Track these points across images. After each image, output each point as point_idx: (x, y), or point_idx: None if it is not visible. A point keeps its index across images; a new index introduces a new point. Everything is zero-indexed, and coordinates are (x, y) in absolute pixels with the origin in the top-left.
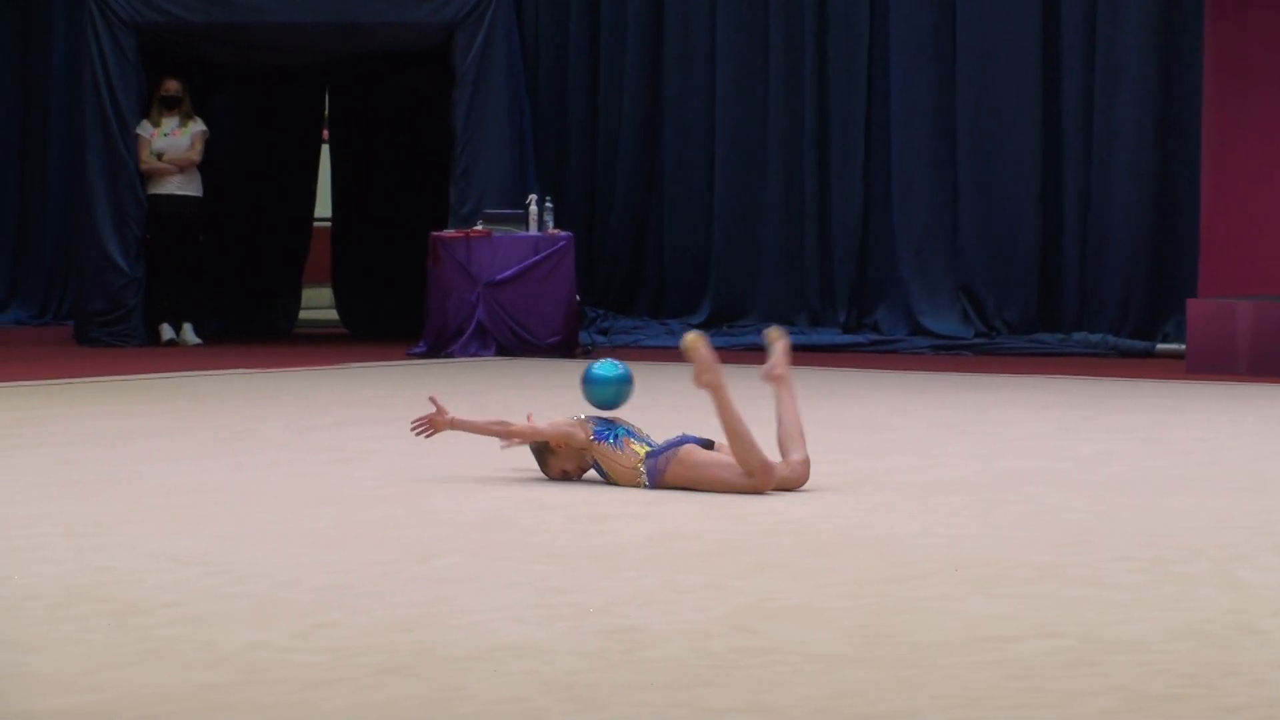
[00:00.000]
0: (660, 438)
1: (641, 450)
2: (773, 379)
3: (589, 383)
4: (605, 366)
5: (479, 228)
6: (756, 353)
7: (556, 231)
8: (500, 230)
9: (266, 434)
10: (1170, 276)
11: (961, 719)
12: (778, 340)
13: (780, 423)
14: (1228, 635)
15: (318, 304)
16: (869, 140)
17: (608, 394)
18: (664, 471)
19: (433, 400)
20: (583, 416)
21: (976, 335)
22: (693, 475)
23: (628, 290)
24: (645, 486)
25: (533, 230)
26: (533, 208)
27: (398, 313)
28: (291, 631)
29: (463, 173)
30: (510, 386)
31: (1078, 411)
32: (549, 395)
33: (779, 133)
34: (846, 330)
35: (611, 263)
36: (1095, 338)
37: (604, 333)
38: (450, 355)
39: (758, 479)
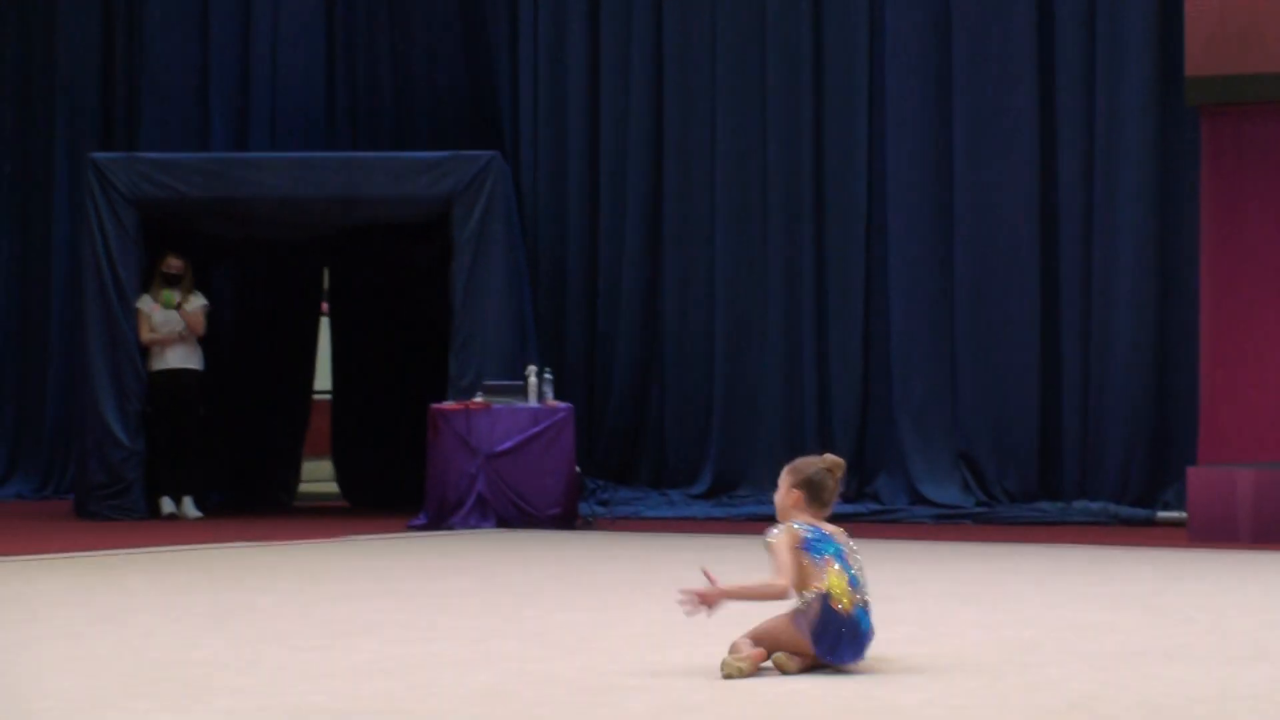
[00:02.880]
0: None
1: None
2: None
3: None
4: None
5: (478, 399)
6: (757, 522)
7: (556, 403)
8: (500, 401)
9: (267, 607)
10: (1170, 444)
11: None
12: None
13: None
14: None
15: (318, 476)
16: (868, 311)
17: None
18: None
19: (705, 573)
20: (795, 526)
21: (977, 504)
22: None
23: (628, 461)
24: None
25: (532, 401)
26: (532, 379)
27: (398, 484)
28: None
29: (462, 344)
30: (511, 560)
31: (1080, 580)
32: (548, 568)
33: (778, 304)
34: (846, 500)
35: (611, 434)
36: (1096, 506)
37: (604, 504)
38: (450, 527)
39: (779, 590)
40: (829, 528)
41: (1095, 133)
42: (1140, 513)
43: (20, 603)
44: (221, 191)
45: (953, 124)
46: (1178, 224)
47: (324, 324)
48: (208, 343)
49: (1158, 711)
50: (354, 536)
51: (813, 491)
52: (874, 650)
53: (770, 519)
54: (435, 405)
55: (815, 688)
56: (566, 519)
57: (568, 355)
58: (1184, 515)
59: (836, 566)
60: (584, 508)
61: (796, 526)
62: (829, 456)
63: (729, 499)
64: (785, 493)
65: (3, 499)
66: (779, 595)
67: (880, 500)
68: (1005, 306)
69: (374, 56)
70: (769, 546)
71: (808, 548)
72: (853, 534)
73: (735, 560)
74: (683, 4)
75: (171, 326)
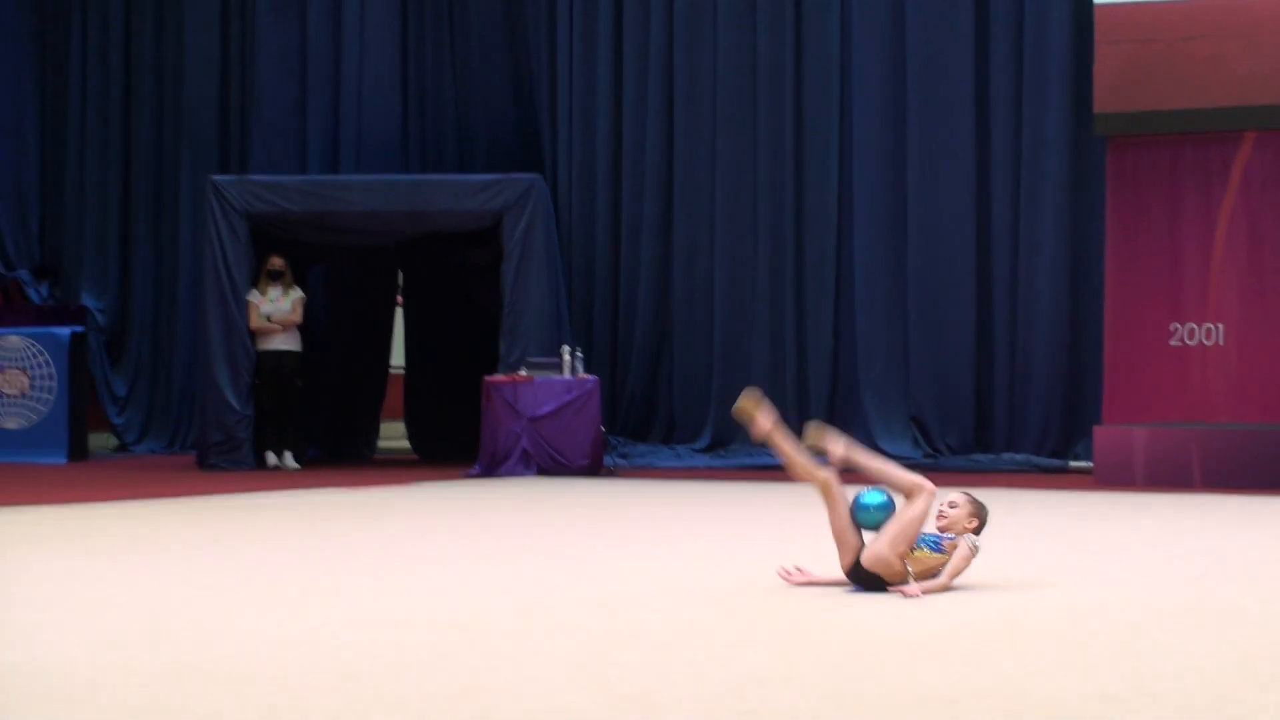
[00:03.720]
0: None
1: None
2: (841, 461)
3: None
4: (870, 495)
5: (523, 373)
6: (748, 471)
7: (585, 375)
8: (540, 375)
9: (356, 540)
10: (1080, 407)
11: None
12: (819, 436)
13: (889, 479)
14: (1129, 696)
15: (393, 435)
16: (837, 302)
17: (873, 518)
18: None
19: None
20: (971, 545)
21: (925, 456)
22: (892, 546)
23: (644, 422)
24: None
25: (566, 375)
26: (566, 356)
27: (458, 442)
28: (370, 697)
29: (510, 329)
30: (549, 500)
31: (1007, 516)
32: (577, 509)
33: (765, 295)
34: (818, 454)
35: (630, 400)
36: (1020, 457)
37: (624, 457)
38: (500, 475)
39: (924, 497)
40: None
41: (1022, 158)
42: (1056, 463)
43: (156, 538)
44: (317, 207)
45: (906, 148)
46: (1088, 233)
47: (399, 314)
48: (304, 329)
49: (1075, 620)
50: (423, 482)
51: (981, 524)
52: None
53: (759, 468)
54: (488, 377)
55: (792, 606)
56: (594, 469)
57: (595, 337)
58: (1091, 465)
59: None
60: (608, 460)
61: (972, 544)
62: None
63: (724, 453)
64: (966, 518)
65: (138, 454)
66: (924, 509)
67: None
68: (948, 298)
69: (441, 98)
70: (961, 558)
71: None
72: None
73: (728, 499)
74: (689, 47)
75: (281, 313)
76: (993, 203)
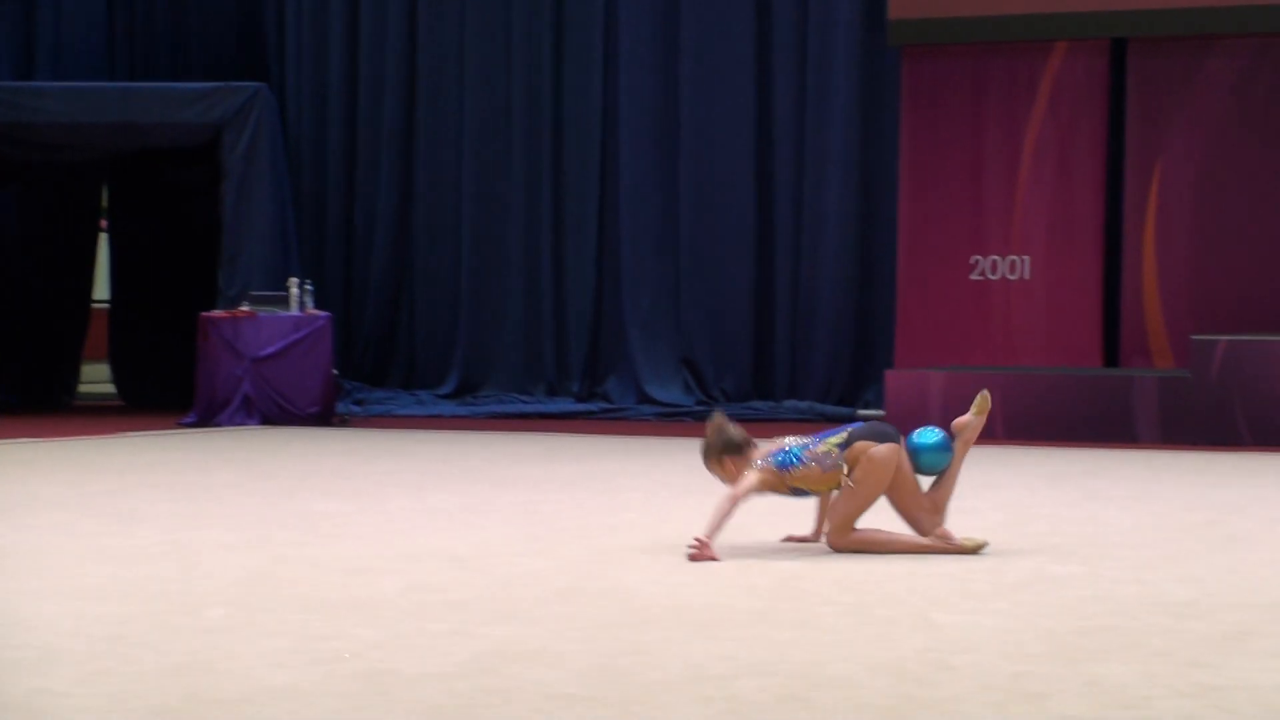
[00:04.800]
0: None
1: (826, 448)
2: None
3: (920, 451)
4: (926, 434)
5: (245, 308)
6: (497, 420)
7: (315, 312)
8: (264, 310)
9: (49, 498)
10: (870, 350)
11: None
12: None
13: (947, 483)
14: (923, 671)
15: (96, 379)
16: (601, 231)
17: (934, 460)
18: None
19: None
20: (759, 463)
21: (697, 403)
22: (873, 480)
23: (382, 365)
24: (846, 476)
25: (294, 310)
26: (294, 290)
27: (170, 386)
28: (71, 678)
29: (230, 258)
30: (274, 452)
31: None
32: (308, 463)
33: (519, 224)
34: (579, 399)
35: (366, 340)
36: (804, 405)
37: (359, 403)
38: (218, 424)
39: (734, 496)
40: (766, 446)
41: (808, 70)
42: (843, 410)
43: None
44: (8, 117)
45: (679, 56)
46: (880, 155)
47: (103, 240)
48: None
49: (855, 586)
50: (130, 433)
51: (736, 448)
52: (603, 533)
53: (512, 417)
54: (205, 313)
55: (548, 567)
56: (325, 417)
57: (327, 269)
58: (882, 413)
59: (814, 467)
60: (341, 407)
61: (761, 465)
62: (711, 421)
63: (472, 399)
64: (726, 472)
65: None
66: (736, 498)
67: (610, 400)
68: (725, 226)
69: None
70: (746, 495)
71: (783, 467)
72: (583, 431)
73: (477, 450)
74: None
75: None
76: (774, 121)
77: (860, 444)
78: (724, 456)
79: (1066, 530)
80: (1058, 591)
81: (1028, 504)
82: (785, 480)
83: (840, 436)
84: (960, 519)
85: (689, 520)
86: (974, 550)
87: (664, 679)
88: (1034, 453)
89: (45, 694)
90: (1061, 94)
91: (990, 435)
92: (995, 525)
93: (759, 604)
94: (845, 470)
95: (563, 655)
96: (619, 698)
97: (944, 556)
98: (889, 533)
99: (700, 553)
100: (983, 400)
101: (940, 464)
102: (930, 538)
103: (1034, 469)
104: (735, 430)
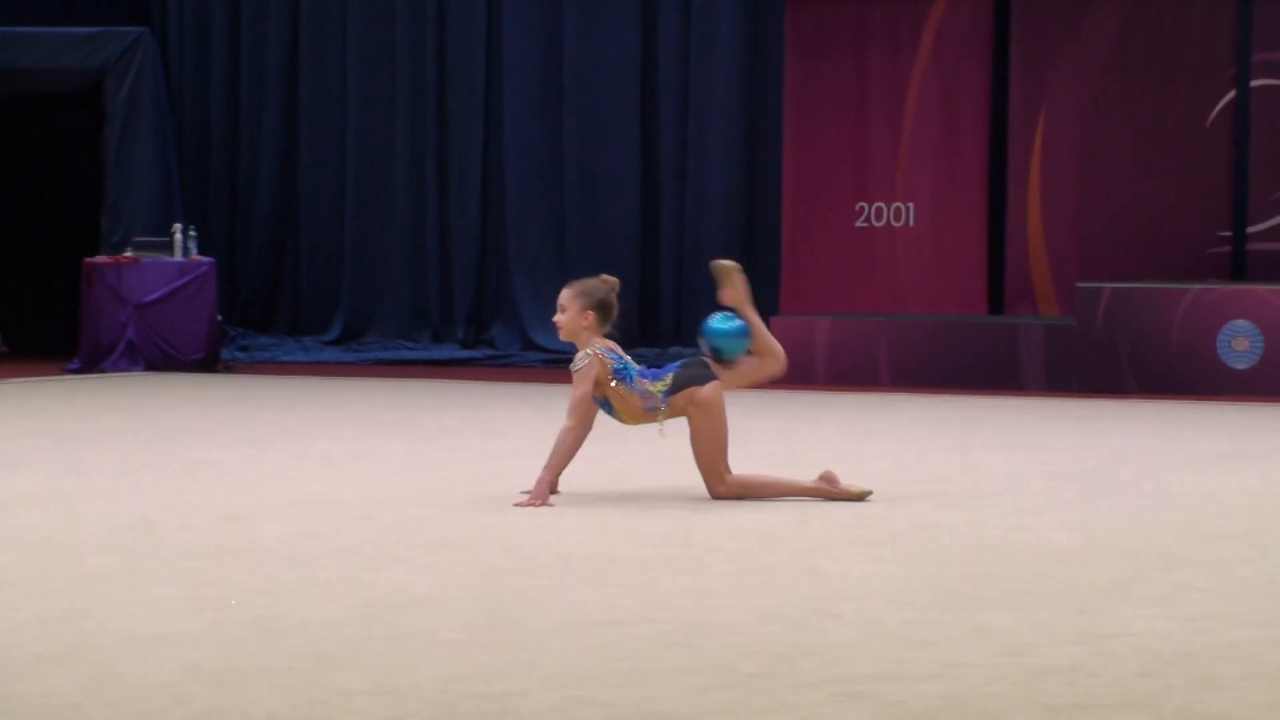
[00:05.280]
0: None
1: (658, 388)
2: (730, 302)
3: (710, 335)
4: (721, 320)
5: (128, 254)
6: (382, 367)
7: (200, 258)
8: (148, 256)
9: None
10: (756, 295)
11: (570, 697)
12: (728, 275)
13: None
14: (808, 619)
15: None
16: (485, 177)
17: (726, 345)
18: (676, 407)
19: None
20: (601, 350)
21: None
22: (713, 419)
23: (266, 311)
24: (661, 424)
25: (178, 256)
26: (178, 236)
27: (53, 333)
28: None
29: (113, 204)
30: (158, 399)
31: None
32: (192, 409)
33: (404, 170)
34: (465, 346)
35: (251, 286)
36: (689, 351)
37: (245, 349)
38: (103, 371)
39: (779, 362)
40: (616, 347)
41: (692, 17)
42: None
43: None
44: None
45: (562, 4)
46: (765, 102)
47: None
48: None
49: (740, 534)
50: (13, 380)
51: (605, 312)
52: (488, 481)
53: (397, 363)
54: (88, 259)
55: (436, 515)
56: (209, 363)
57: (210, 214)
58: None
59: (636, 398)
60: (225, 353)
61: (603, 354)
62: (607, 277)
63: (358, 345)
64: (576, 315)
65: None
66: (573, 441)
67: (496, 346)
68: (610, 173)
69: None
70: (576, 374)
71: (621, 378)
72: (469, 378)
73: (363, 397)
74: None
75: None
76: (659, 69)
77: (686, 391)
78: (588, 305)
79: (951, 478)
80: (943, 539)
81: (912, 452)
82: (608, 383)
83: (664, 382)
84: (845, 465)
85: (576, 468)
86: (859, 497)
87: (552, 625)
88: (919, 400)
89: None
90: (946, 43)
91: (875, 382)
92: (880, 473)
93: (646, 551)
94: (661, 419)
95: (450, 602)
96: (507, 643)
97: (830, 504)
98: (768, 475)
99: (530, 500)
100: (721, 271)
101: (741, 348)
102: (814, 482)
103: (919, 416)
104: (615, 307)
